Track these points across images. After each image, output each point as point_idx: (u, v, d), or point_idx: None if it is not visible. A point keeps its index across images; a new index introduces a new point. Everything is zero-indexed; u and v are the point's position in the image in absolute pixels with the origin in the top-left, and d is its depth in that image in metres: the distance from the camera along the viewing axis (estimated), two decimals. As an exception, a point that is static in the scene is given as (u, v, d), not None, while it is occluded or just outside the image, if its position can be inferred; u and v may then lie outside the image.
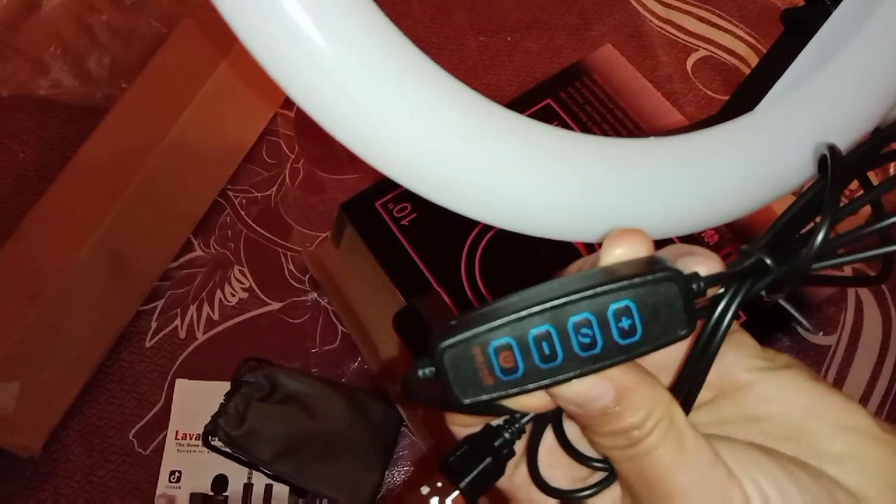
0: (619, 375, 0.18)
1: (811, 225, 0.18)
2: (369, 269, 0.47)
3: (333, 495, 0.46)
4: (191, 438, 0.49)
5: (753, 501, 0.18)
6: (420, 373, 0.18)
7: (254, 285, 0.54)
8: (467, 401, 0.18)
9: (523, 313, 0.17)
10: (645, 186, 0.20)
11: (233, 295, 0.54)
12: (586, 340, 0.17)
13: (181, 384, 0.50)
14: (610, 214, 0.21)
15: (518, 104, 0.51)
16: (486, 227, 0.46)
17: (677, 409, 0.18)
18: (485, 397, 0.18)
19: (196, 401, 0.49)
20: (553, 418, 0.20)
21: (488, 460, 0.20)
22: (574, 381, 0.18)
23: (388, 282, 0.45)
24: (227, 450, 0.46)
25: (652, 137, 0.21)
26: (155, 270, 0.54)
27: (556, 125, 0.50)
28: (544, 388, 0.18)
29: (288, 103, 0.61)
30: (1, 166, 0.60)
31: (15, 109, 0.62)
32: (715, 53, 0.61)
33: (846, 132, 0.22)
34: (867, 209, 0.19)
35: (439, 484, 0.19)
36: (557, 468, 0.21)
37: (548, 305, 0.17)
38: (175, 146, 0.51)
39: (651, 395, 0.18)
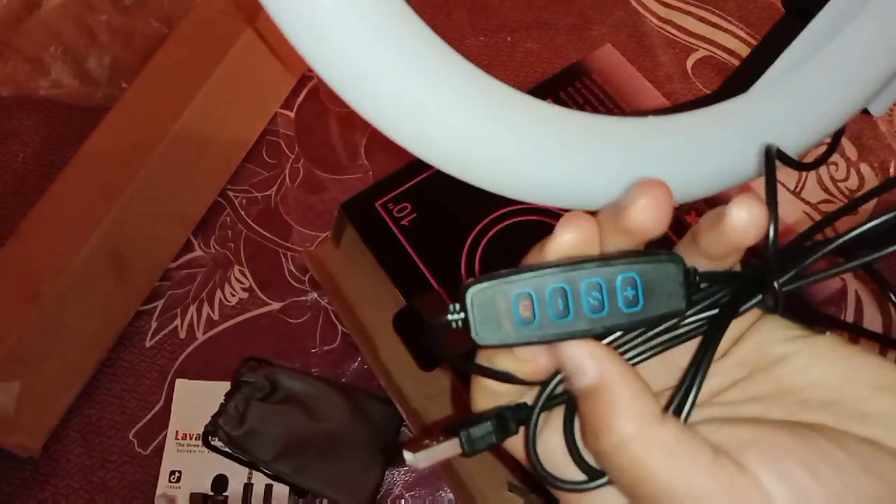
0: (607, 366, 0.19)
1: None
2: (369, 269, 0.47)
3: (333, 495, 0.46)
4: (191, 438, 0.49)
5: (774, 495, 0.17)
6: (449, 317, 0.19)
7: (254, 285, 0.54)
8: (486, 342, 0.19)
9: (546, 270, 0.19)
10: (639, 161, 0.21)
11: (233, 295, 0.54)
12: (595, 303, 0.19)
13: (181, 384, 0.50)
14: (608, 185, 0.22)
15: None
16: (487, 228, 0.46)
17: (660, 413, 0.18)
18: (502, 341, 0.19)
19: (196, 401, 0.49)
20: (569, 412, 0.21)
21: (492, 419, 0.21)
22: (571, 343, 0.19)
23: (388, 282, 0.45)
24: (227, 450, 0.46)
25: (649, 116, 0.21)
26: (155, 270, 0.54)
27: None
28: (556, 340, 0.19)
29: (288, 103, 0.61)
30: (1, 166, 0.60)
31: (15, 109, 0.62)
32: (715, 53, 0.61)
33: (836, 115, 0.23)
34: (869, 205, 0.20)
35: (441, 438, 0.20)
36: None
37: (566, 267, 0.19)
38: (175, 146, 0.51)
39: (639, 394, 0.18)
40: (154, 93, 0.54)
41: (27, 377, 0.46)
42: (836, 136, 0.26)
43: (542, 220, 0.46)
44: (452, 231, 0.46)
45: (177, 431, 0.49)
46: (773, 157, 0.21)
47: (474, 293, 0.19)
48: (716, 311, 0.20)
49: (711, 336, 0.20)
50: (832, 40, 0.22)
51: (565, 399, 0.20)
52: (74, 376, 0.50)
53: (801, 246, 0.20)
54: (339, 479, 0.46)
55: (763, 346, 0.20)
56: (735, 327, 0.21)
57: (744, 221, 0.19)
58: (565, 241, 0.19)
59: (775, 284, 0.19)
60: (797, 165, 0.22)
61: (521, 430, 0.21)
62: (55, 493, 0.48)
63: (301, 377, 0.48)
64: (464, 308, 0.19)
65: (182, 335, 0.52)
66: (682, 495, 0.17)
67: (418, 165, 0.49)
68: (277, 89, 0.60)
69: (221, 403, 0.46)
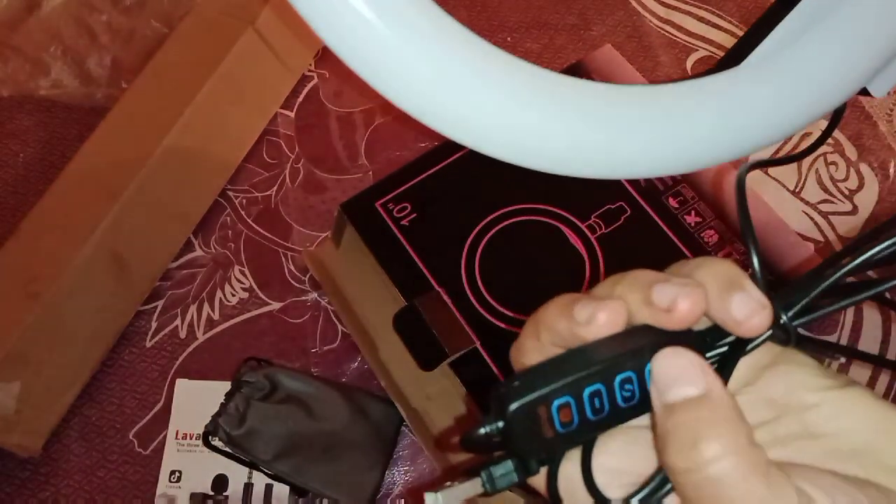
0: (712, 381, 0.18)
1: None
2: (369, 269, 0.47)
3: (333, 495, 0.46)
4: (191, 438, 0.49)
5: None
6: (487, 429, 0.19)
7: (254, 285, 0.54)
8: (530, 455, 0.20)
9: (583, 374, 0.19)
10: (629, 129, 0.21)
11: (233, 295, 0.54)
12: (628, 394, 0.20)
13: (181, 384, 0.50)
14: (602, 152, 0.22)
15: None
16: (487, 228, 0.46)
17: (755, 444, 0.18)
18: (546, 449, 0.20)
19: (196, 401, 0.49)
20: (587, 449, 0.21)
21: (513, 459, 0.20)
22: (670, 352, 0.19)
23: (389, 282, 0.45)
24: (228, 449, 0.46)
25: (642, 85, 0.21)
26: (155, 270, 0.54)
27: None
28: (594, 435, 0.20)
29: (288, 103, 0.61)
30: (1, 166, 0.60)
31: (15, 109, 0.62)
32: (715, 53, 0.61)
33: (832, 93, 0.22)
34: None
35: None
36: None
37: (601, 367, 0.19)
38: (175, 146, 0.51)
39: (734, 418, 0.18)
40: (154, 93, 0.54)
41: (27, 377, 0.46)
42: (836, 116, 0.25)
43: (541, 221, 0.46)
44: (452, 231, 0.46)
45: (177, 431, 0.49)
46: (743, 185, 0.21)
47: (515, 408, 0.19)
48: (726, 349, 0.20)
49: (721, 373, 0.20)
50: (831, 14, 0.22)
51: (585, 439, 0.21)
52: (74, 376, 0.50)
53: (813, 278, 0.21)
54: (339, 479, 0.46)
55: (794, 391, 0.20)
56: (759, 356, 0.21)
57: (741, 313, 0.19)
58: (600, 324, 0.19)
59: (784, 318, 0.20)
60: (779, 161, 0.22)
61: (542, 469, 0.21)
62: (55, 493, 0.48)
63: (301, 377, 0.48)
64: (507, 423, 0.19)
65: (182, 335, 0.52)
66: None
67: (418, 165, 0.49)
68: (277, 89, 0.60)
69: (222, 403, 0.46)
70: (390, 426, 0.48)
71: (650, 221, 0.46)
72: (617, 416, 0.20)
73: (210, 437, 0.46)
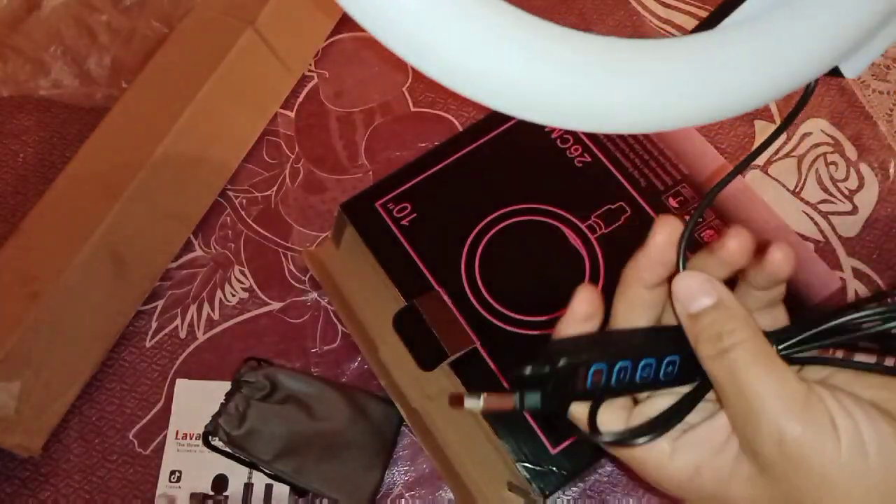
0: (722, 291, 0.23)
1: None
2: (369, 269, 0.47)
3: (333, 495, 0.46)
4: (191, 438, 0.49)
5: (836, 417, 0.21)
6: (534, 370, 0.25)
7: (254, 285, 0.54)
8: (560, 398, 0.25)
9: (620, 354, 0.25)
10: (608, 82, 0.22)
11: (233, 295, 0.54)
12: (646, 374, 0.25)
13: (181, 384, 0.50)
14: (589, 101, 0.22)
15: None
16: (487, 228, 0.46)
17: (763, 338, 0.22)
18: (571, 397, 0.25)
19: (196, 400, 0.49)
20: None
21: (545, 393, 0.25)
22: (684, 275, 0.24)
23: (388, 282, 0.45)
24: (228, 449, 0.46)
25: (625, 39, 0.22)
26: (155, 270, 0.54)
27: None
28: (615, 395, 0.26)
29: (288, 103, 0.61)
30: (1, 166, 0.60)
31: (15, 109, 0.62)
32: (715, 53, 0.61)
33: (803, 66, 0.22)
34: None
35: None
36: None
37: (635, 353, 0.25)
38: (175, 146, 0.51)
39: (743, 316, 0.23)
40: (154, 93, 0.54)
41: (27, 377, 0.46)
42: (806, 93, 0.25)
43: (541, 221, 0.46)
44: (452, 231, 0.46)
45: (177, 431, 0.49)
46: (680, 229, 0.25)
47: (564, 363, 0.24)
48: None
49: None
50: None
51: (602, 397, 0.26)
52: (74, 376, 0.50)
53: (821, 319, 0.24)
54: (339, 479, 0.46)
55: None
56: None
57: (779, 261, 0.23)
58: (659, 242, 0.25)
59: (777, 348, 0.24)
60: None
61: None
62: (55, 493, 0.48)
63: (301, 377, 0.48)
64: (552, 370, 0.24)
65: (182, 335, 0.52)
66: (769, 402, 0.21)
67: (418, 165, 0.49)
68: (277, 89, 0.60)
69: (222, 403, 0.46)
70: (390, 426, 0.48)
71: (651, 221, 0.46)
72: (633, 388, 0.25)
73: (210, 437, 0.46)
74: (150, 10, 0.60)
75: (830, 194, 0.54)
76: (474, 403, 0.24)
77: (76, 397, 0.50)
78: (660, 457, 0.24)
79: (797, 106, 0.27)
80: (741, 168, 0.27)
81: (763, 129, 0.57)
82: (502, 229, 0.46)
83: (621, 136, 0.49)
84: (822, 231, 0.53)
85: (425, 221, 0.47)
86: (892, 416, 0.22)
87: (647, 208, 0.46)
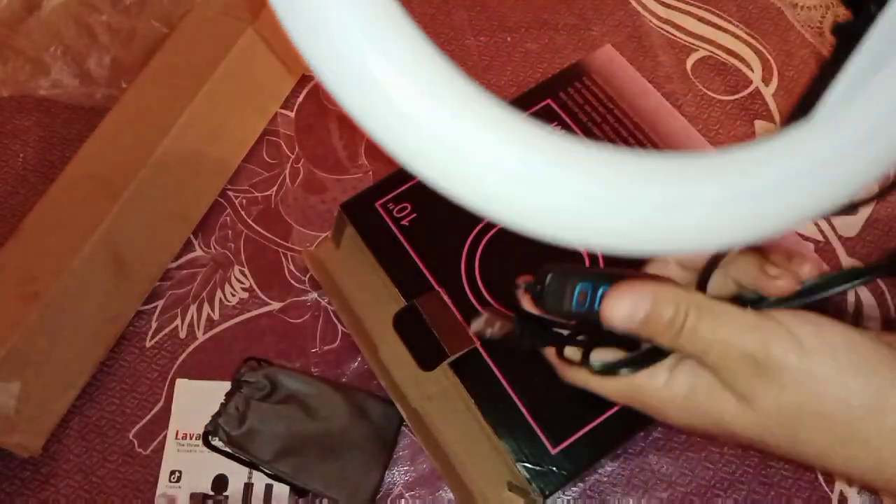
0: (644, 295, 0.25)
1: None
2: (369, 269, 0.47)
3: (333, 495, 0.46)
4: (191, 438, 0.49)
5: (791, 324, 0.24)
6: (530, 286, 0.28)
7: (254, 285, 0.54)
8: (551, 310, 0.27)
9: (602, 275, 0.27)
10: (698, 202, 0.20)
11: (233, 295, 0.54)
12: None
13: (181, 384, 0.50)
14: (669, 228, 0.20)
15: (518, 104, 0.51)
16: (486, 228, 0.46)
17: (698, 295, 0.25)
18: (562, 312, 0.27)
19: (196, 400, 0.49)
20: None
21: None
22: (616, 306, 0.25)
23: (388, 282, 0.45)
24: (228, 449, 0.46)
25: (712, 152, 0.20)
26: (155, 270, 0.54)
27: (557, 125, 0.50)
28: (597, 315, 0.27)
29: (288, 103, 0.61)
30: (1, 166, 0.60)
31: (15, 109, 0.62)
32: (715, 53, 0.61)
33: None
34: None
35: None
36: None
37: (617, 275, 0.27)
38: (175, 146, 0.51)
39: (672, 294, 0.25)
40: (154, 93, 0.54)
41: (27, 377, 0.46)
42: None
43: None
44: (452, 231, 0.46)
45: (177, 431, 0.49)
46: None
47: (551, 277, 0.27)
48: None
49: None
50: (887, 61, 0.20)
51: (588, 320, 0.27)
52: (74, 376, 0.50)
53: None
54: (339, 479, 0.46)
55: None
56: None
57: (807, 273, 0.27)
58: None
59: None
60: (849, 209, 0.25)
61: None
62: (55, 493, 0.48)
63: (301, 377, 0.48)
64: (541, 285, 0.27)
65: (182, 335, 0.52)
66: (737, 338, 0.24)
67: None
68: (277, 89, 0.60)
69: (221, 403, 0.46)
70: (390, 426, 0.48)
71: None
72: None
73: (210, 437, 0.46)
74: (150, 10, 0.60)
75: (830, 194, 0.54)
76: (478, 324, 0.27)
77: (76, 397, 0.50)
78: (657, 386, 0.27)
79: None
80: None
81: (763, 129, 0.57)
82: (502, 229, 0.46)
83: (621, 136, 0.49)
84: (821, 231, 0.53)
85: (425, 221, 0.47)
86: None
87: None
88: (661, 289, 0.25)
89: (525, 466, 0.40)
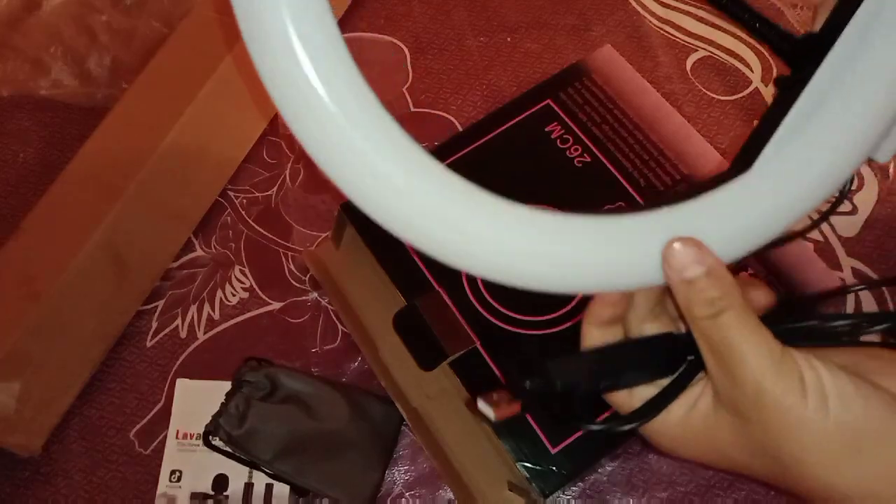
0: (712, 260, 0.24)
1: None
2: (369, 269, 0.47)
3: (334, 495, 0.46)
4: (191, 438, 0.49)
5: (805, 373, 0.24)
6: (532, 384, 0.26)
7: (254, 285, 0.54)
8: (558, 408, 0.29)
9: (611, 382, 0.28)
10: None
11: (233, 295, 0.54)
12: (633, 381, 0.29)
13: (182, 384, 0.50)
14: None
15: (518, 104, 0.51)
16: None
17: (748, 305, 0.25)
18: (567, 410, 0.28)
19: (197, 400, 0.49)
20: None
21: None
22: (678, 243, 0.24)
23: (388, 282, 0.45)
24: (228, 449, 0.46)
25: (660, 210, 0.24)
26: (155, 270, 0.54)
27: (557, 125, 0.50)
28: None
29: (288, 103, 0.61)
30: (1, 166, 0.60)
31: (15, 109, 0.62)
32: (714, 54, 0.61)
33: (841, 173, 0.24)
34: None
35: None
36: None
37: (625, 378, 0.28)
38: (175, 146, 0.51)
39: (731, 283, 0.25)
40: (154, 93, 0.54)
41: (27, 377, 0.46)
42: (842, 193, 0.27)
43: None
44: None
45: (177, 431, 0.49)
46: None
47: (561, 386, 0.26)
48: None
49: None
50: (829, 98, 0.24)
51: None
52: (74, 376, 0.50)
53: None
54: (339, 479, 0.46)
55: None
56: None
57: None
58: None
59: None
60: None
61: None
62: (55, 493, 0.48)
63: (301, 377, 0.48)
64: (551, 387, 0.26)
65: (183, 335, 0.52)
66: (751, 358, 0.24)
67: None
68: (277, 89, 0.60)
69: (222, 403, 0.46)
70: (390, 426, 0.48)
71: None
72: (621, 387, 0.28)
73: (210, 437, 0.46)
74: (150, 10, 0.60)
75: (830, 194, 0.54)
76: (486, 409, 0.26)
77: (76, 397, 0.50)
78: (658, 425, 0.28)
79: (835, 203, 0.30)
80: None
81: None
82: None
83: (621, 136, 0.49)
84: (821, 231, 0.53)
85: None
86: (856, 375, 0.25)
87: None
88: (726, 271, 0.25)
89: (525, 466, 0.40)
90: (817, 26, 0.26)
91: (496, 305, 0.44)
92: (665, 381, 0.28)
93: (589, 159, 0.48)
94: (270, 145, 0.59)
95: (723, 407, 0.26)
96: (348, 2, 0.64)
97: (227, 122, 0.56)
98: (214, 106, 0.54)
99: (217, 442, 0.46)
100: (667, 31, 0.62)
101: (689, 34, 0.62)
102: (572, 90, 0.51)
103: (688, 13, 0.63)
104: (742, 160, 0.25)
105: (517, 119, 0.50)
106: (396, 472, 0.48)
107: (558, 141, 0.49)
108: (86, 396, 0.51)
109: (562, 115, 0.50)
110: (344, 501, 0.46)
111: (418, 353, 0.43)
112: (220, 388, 0.48)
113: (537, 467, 0.40)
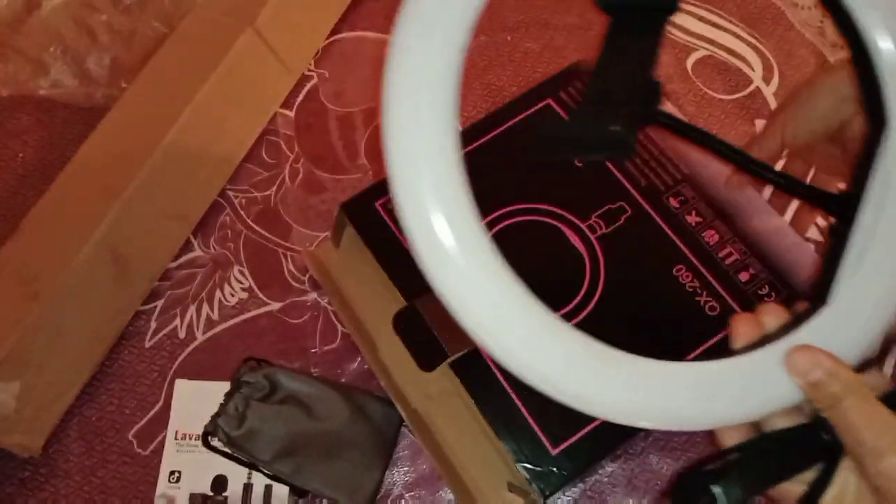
0: (826, 360, 0.28)
1: None
2: (369, 269, 0.47)
3: (333, 495, 0.46)
4: (190, 439, 0.48)
5: None
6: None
7: (253, 285, 0.54)
8: None
9: (761, 485, 0.29)
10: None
11: (232, 295, 0.54)
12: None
13: (181, 384, 0.50)
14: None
15: (518, 104, 0.51)
16: (486, 227, 0.46)
17: (863, 387, 0.28)
18: None
19: (196, 401, 0.49)
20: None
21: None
22: (804, 357, 0.28)
23: (388, 282, 0.45)
24: (227, 450, 0.46)
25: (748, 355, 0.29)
26: (155, 270, 0.54)
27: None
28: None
29: (288, 103, 0.61)
30: (1, 166, 0.60)
31: (15, 109, 0.62)
32: (715, 53, 0.61)
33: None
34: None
35: None
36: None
37: (774, 478, 0.29)
38: (175, 146, 0.51)
39: (847, 377, 0.28)
40: (154, 93, 0.54)
41: (27, 377, 0.46)
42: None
43: (541, 221, 0.46)
44: None
45: (176, 431, 0.49)
46: None
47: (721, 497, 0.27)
48: None
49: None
50: (873, 239, 0.29)
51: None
52: (74, 376, 0.50)
53: None
54: (339, 479, 0.46)
55: None
56: None
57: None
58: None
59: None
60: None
61: None
62: (55, 493, 0.48)
63: (301, 377, 0.48)
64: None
65: (182, 335, 0.52)
66: (875, 433, 0.27)
67: None
68: (277, 89, 0.60)
69: (221, 404, 0.46)
70: (390, 426, 0.48)
71: (651, 221, 0.46)
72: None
73: (209, 438, 0.46)
74: (150, 10, 0.60)
75: (831, 194, 0.54)
76: None
77: (76, 397, 0.50)
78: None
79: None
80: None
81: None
82: (502, 229, 0.46)
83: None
84: (822, 231, 0.53)
85: None
86: None
87: (647, 208, 0.46)
88: (839, 362, 0.28)
89: (525, 467, 0.40)
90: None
91: None
92: (805, 476, 0.29)
93: None
94: (270, 145, 0.59)
95: (867, 491, 0.28)
96: (348, 1, 0.64)
97: (226, 122, 0.56)
98: (214, 106, 0.54)
99: (216, 443, 0.46)
100: (667, 30, 0.62)
101: (690, 33, 0.62)
102: (573, 90, 0.51)
103: (688, 12, 0.63)
104: (818, 296, 0.30)
105: (517, 119, 0.50)
106: (396, 473, 0.48)
107: None
108: (86, 396, 0.51)
109: (562, 114, 0.50)
110: (343, 501, 0.46)
111: (418, 353, 0.43)
112: (219, 389, 0.47)
113: (537, 468, 0.40)
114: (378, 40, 0.63)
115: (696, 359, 0.37)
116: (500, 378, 0.42)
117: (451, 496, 0.47)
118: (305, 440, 0.46)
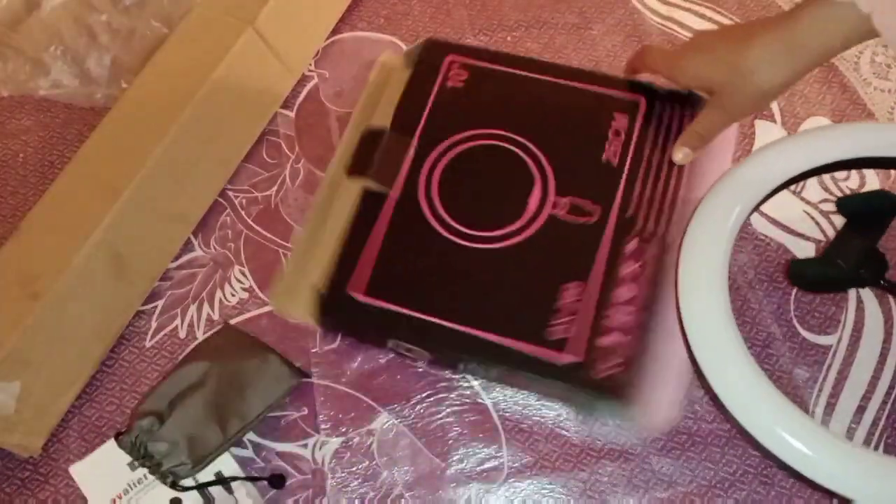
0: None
1: None
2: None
3: (253, 416, 0.47)
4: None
5: None
6: None
7: (254, 285, 0.54)
8: None
9: None
10: None
11: (233, 295, 0.54)
12: None
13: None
14: None
15: (592, 77, 0.51)
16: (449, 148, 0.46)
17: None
18: None
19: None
20: None
21: None
22: None
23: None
24: (182, 484, 0.45)
25: None
26: (155, 270, 0.54)
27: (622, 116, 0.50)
28: None
29: (288, 103, 0.61)
30: (1, 166, 0.60)
31: (15, 109, 0.62)
32: (715, 52, 0.61)
33: None
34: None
35: None
36: None
37: None
38: (175, 146, 0.51)
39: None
40: (154, 93, 0.54)
41: (27, 377, 0.46)
42: None
43: (497, 145, 0.48)
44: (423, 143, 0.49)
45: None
46: None
47: None
48: None
49: None
50: None
51: None
52: (74, 376, 0.50)
53: None
54: (251, 403, 0.47)
55: None
56: None
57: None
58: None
59: None
60: None
61: None
62: (55, 493, 0.48)
63: (177, 374, 0.47)
64: None
65: (182, 335, 0.52)
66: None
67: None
68: (277, 89, 0.60)
69: (128, 463, 0.46)
70: (278, 384, 0.49)
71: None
72: None
73: (176, 487, 0.45)
74: (150, 10, 0.60)
75: (831, 193, 0.54)
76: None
77: (76, 397, 0.50)
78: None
79: None
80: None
81: (764, 130, 0.56)
82: (462, 152, 0.48)
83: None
84: (822, 231, 0.53)
85: None
86: None
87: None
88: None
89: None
90: None
91: (448, 220, 0.46)
92: None
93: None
94: (270, 145, 0.59)
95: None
96: (348, 1, 0.64)
97: (226, 122, 0.56)
98: (214, 106, 0.54)
99: (185, 482, 0.45)
100: (668, 28, 0.62)
101: (691, 31, 0.62)
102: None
103: (689, 10, 0.63)
104: None
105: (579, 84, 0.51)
106: (396, 473, 0.48)
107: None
108: (86, 396, 0.51)
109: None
110: (261, 407, 0.47)
111: (355, 159, 0.48)
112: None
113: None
114: (378, 39, 0.63)
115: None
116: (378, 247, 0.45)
117: (451, 496, 0.47)
118: (211, 409, 0.46)
